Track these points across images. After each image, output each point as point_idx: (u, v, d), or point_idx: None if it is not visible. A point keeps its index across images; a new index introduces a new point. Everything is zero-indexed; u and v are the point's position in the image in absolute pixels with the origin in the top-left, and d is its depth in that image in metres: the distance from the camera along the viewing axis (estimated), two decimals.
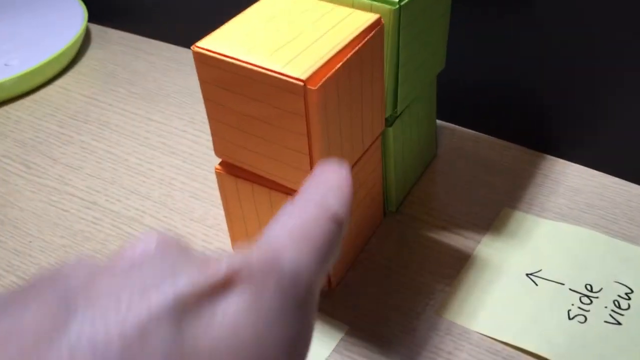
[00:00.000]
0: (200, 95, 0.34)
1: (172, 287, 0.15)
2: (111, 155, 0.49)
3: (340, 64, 0.30)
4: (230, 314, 0.15)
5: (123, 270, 0.16)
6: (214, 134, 0.35)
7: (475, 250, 0.39)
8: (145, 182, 0.47)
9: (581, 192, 0.43)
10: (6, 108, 0.55)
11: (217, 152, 0.36)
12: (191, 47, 0.32)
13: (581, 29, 0.40)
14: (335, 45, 0.31)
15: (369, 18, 0.33)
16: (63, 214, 0.45)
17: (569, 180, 0.44)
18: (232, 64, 0.31)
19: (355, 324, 0.36)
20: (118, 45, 0.62)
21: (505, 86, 0.45)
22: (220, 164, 0.37)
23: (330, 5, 0.34)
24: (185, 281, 0.15)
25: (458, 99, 0.48)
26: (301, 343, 0.16)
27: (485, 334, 0.35)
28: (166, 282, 0.15)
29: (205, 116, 0.35)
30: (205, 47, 0.32)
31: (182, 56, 0.60)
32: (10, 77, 0.54)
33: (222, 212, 0.40)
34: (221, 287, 0.15)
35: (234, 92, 0.32)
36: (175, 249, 0.17)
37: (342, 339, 0.35)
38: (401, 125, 0.39)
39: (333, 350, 0.35)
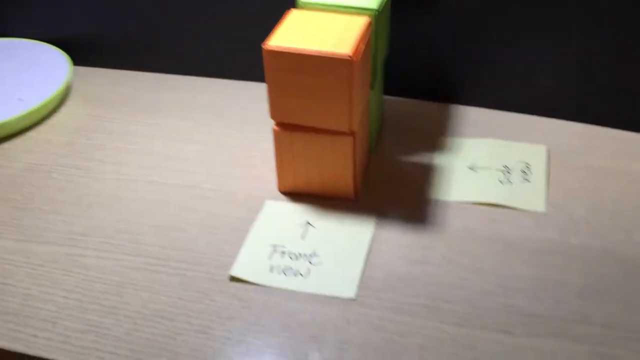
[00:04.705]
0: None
1: None
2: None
3: (364, 46, 0.51)
4: None
5: None
6: (272, 103, 0.53)
7: None
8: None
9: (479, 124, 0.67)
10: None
11: (273, 116, 0.54)
12: (262, 45, 0.50)
13: None
14: (354, 35, 0.51)
15: (364, 19, 0.53)
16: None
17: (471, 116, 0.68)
18: (298, 54, 0.50)
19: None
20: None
21: (419, 49, 0.68)
22: (276, 124, 0.54)
23: (334, 15, 0.54)
24: None
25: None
26: None
27: (463, 200, 0.57)
28: None
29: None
30: (275, 44, 0.50)
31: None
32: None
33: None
34: None
35: (296, 72, 0.50)
36: None
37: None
38: (376, 89, 0.61)
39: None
